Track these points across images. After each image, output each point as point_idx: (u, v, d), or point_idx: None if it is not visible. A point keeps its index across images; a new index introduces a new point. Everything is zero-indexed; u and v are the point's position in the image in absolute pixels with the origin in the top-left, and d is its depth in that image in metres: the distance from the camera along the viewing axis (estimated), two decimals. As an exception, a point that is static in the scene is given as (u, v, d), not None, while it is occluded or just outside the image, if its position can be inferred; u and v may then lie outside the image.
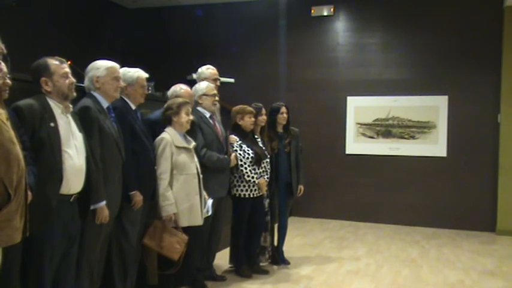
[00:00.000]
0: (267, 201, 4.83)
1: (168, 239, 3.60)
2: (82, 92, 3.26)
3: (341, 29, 7.88)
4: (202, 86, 4.42)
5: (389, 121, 7.60)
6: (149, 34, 8.60)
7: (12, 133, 2.19)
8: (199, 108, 4.35)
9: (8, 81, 2.42)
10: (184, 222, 3.73)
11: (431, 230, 7.15)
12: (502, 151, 6.94)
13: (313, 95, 7.91)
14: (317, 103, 7.86)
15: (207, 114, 4.37)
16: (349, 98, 7.71)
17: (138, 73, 3.61)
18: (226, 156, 4.34)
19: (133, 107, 3.58)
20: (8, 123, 2.22)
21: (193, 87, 4.43)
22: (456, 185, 7.22)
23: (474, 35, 7.14)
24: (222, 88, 6.73)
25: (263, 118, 4.86)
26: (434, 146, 7.36)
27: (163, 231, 3.61)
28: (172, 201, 3.64)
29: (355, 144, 7.74)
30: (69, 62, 4.91)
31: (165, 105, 3.90)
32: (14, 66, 3.41)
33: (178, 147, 3.72)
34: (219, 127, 4.45)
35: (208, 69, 4.82)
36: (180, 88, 4.26)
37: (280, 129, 5.05)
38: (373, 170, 7.64)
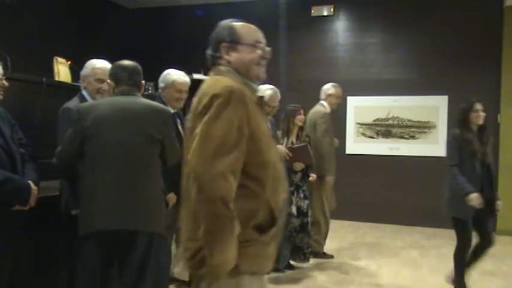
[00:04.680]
0: (293, 207, 4.76)
1: None
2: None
3: (341, 29, 7.88)
4: (266, 92, 4.40)
5: (389, 121, 7.60)
6: (149, 34, 8.60)
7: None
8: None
9: (5, 82, 2.44)
10: None
11: (431, 230, 7.15)
12: (502, 151, 6.94)
13: (313, 95, 7.87)
14: (317, 103, 7.86)
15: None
16: (349, 98, 7.71)
17: (177, 77, 3.57)
18: None
19: (171, 110, 3.47)
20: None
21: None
22: (456, 185, 7.21)
23: (474, 35, 7.14)
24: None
25: (301, 118, 4.83)
26: (434, 146, 7.36)
27: None
28: None
29: (355, 144, 7.74)
30: (69, 62, 4.93)
31: None
32: (14, 66, 3.41)
33: None
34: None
35: (336, 88, 5.40)
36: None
37: (474, 131, 4.24)
38: (373, 170, 7.64)
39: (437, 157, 7.32)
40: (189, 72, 6.72)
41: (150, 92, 5.46)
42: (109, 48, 7.52)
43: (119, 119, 2.72)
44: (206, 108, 1.73)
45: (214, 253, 1.63)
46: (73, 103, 3.09)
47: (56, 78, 4.57)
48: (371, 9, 7.68)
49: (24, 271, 2.82)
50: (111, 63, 3.02)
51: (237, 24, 2.03)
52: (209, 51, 1.99)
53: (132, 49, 8.02)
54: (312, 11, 7.93)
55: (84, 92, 3.19)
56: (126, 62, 2.89)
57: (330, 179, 5.32)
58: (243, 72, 1.98)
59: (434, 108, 7.37)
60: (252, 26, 2.08)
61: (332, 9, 7.84)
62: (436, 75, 7.36)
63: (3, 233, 2.54)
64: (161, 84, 3.59)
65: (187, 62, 7.75)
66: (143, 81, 2.92)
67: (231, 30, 1.99)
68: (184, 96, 3.60)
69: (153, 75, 4.52)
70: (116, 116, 2.72)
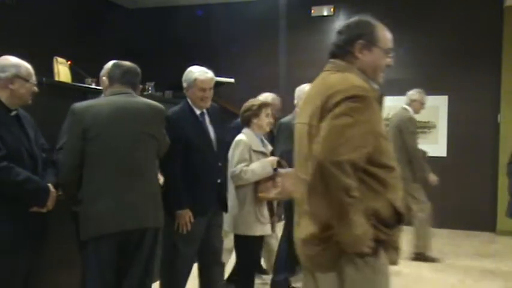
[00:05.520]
0: None
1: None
2: (82, 93, 3.26)
3: (341, 29, 7.87)
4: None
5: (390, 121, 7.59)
6: (149, 34, 8.60)
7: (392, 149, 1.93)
8: None
9: (35, 88, 2.62)
10: (257, 231, 3.49)
11: (432, 229, 7.14)
12: (502, 151, 6.93)
13: (313, 95, 7.92)
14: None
15: None
16: (349, 98, 7.71)
17: (198, 74, 3.31)
18: None
19: (197, 111, 3.29)
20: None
21: None
22: (456, 185, 7.22)
23: (474, 35, 7.14)
24: (222, 88, 6.73)
25: None
26: (434, 146, 7.35)
27: (273, 180, 3.43)
28: (256, 164, 3.41)
29: (355, 144, 7.75)
30: (69, 62, 4.93)
31: (245, 106, 3.68)
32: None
33: (255, 152, 3.47)
34: None
35: (421, 93, 5.58)
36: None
37: None
38: (373, 170, 7.64)
39: (437, 157, 7.32)
40: (189, 72, 6.75)
41: (150, 92, 5.46)
42: (109, 48, 7.53)
43: (120, 119, 2.70)
44: (337, 104, 1.76)
45: (346, 235, 1.75)
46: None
47: (56, 78, 4.57)
48: (371, 10, 7.62)
49: (38, 270, 2.81)
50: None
51: (379, 25, 2.03)
52: (339, 41, 1.97)
53: (132, 49, 8.02)
54: (312, 11, 7.93)
55: (102, 96, 3.18)
56: (123, 62, 2.87)
57: (432, 177, 5.42)
58: (368, 73, 1.97)
59: (434, 108, 7.36)
60: (389, 32, 2.07)
61: (332, 9, 7.84)
62: (436, 75, 7.36)
63: (27, 232, 2.56)
64: (184, 84, 3.34)
65: (187, 61, 7.76)
66: (141, 86, 2.89)
67: (372, 29, 2.01)
68: (209, 94, 3.32)
69: (153, 75, 4.53)
70: (116, 116, 2.69)
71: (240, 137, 3.52)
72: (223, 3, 8.28)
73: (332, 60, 1.99)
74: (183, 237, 3.18)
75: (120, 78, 2.80)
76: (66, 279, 3.32)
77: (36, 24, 6.79)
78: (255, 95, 5.96)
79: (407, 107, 5.72)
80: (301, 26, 8.00)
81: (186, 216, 3.15)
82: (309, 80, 8.38)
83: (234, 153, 3.44)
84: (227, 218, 3.55)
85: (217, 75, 6.52)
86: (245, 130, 3.58)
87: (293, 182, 2.43)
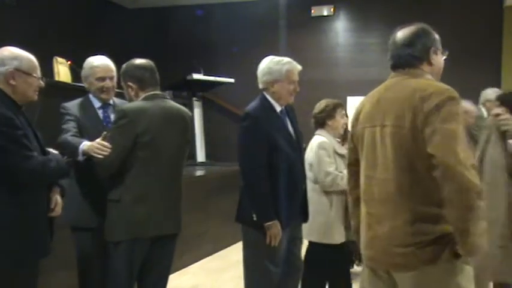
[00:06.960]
0: None
1: None
2: (83, 93, 3.24)
3: (341, 29, 7.87)
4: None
5: (389, 121, 7.61)
6: (149, 34, 8.60)
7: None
8: None
9: (41, 82, 2.41)
10: (340, 238, 3.24)
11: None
12: (502, 151, 6.94)
13: (313, 95, 7.87)
14: (317, 103, 7.87)
15: None
16: (349, 98, 7.70)
17: (289, 65, 3.00)
18: None
19: (278, 108, 2.91)
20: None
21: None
22: (456, 185, 7.22)
23: (474, 35, 7.15)
24: (222, 88, 6.71)
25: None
26: (434, 146, 7.36)
27: None
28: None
29: (355, 144, 7.74)
30: (69, 62, 4.93)
31: (318, 107, 3.45)
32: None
33: (338, 154, 3.27)
34: None
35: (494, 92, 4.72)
36: None
37: None
38: (373, 170, 7.64)
39: (437, 157, 7.33)
40: (188, 72, 6.76)
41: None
42: (109, 48, 7.51)
43: (168, 126, 2.68)
44: (439, 107, 1.88)
45: (473, 237, 1.76)
46: (72, 103, 2.95)
47: (56, 78, 4.58)
48: (371, 9, 7.68)
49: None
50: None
51: (431, 29, 2.13)
52: (410, 51, 2.05)
53: (132, 49, 8.01)
54: (312, 11, 7.94)
55: (90, 95, 2.96)
56: (143, 61, 2.75)
57: None
58: (435, 76, 2.12)
59: (434, 108, 7.37)
60: None
61: (332, 9, 7.85)
62: (436, 75, 7.37)
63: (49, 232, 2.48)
64: (266, 78, 2.91)
65: (187, 61, 7.77)
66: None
67: (434, 35, 2.13)
68: (298, 87, 2.96)
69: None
70: (166, 122, 2.68)
71: (321, 139, 3.29)
72: (223, 3, 8.29)
73: (400, 69, 2.09)
74: (270, 254, 2.78)
75: (151, 80, 2.71)
76: (66, 279, 3.32)
77: (36, 24, 6.79)
78: (255, 95, 5.97)
79: None
80: (301, 26, 8.00)
81: (277, 228, 2.73)
82: (309, 80, 8.32)
83: (320, 157, 3.20)
84: (309, 227, 3.16)
85: (217, 75, 6.56)
86: (321, 132, 3.37)
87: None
